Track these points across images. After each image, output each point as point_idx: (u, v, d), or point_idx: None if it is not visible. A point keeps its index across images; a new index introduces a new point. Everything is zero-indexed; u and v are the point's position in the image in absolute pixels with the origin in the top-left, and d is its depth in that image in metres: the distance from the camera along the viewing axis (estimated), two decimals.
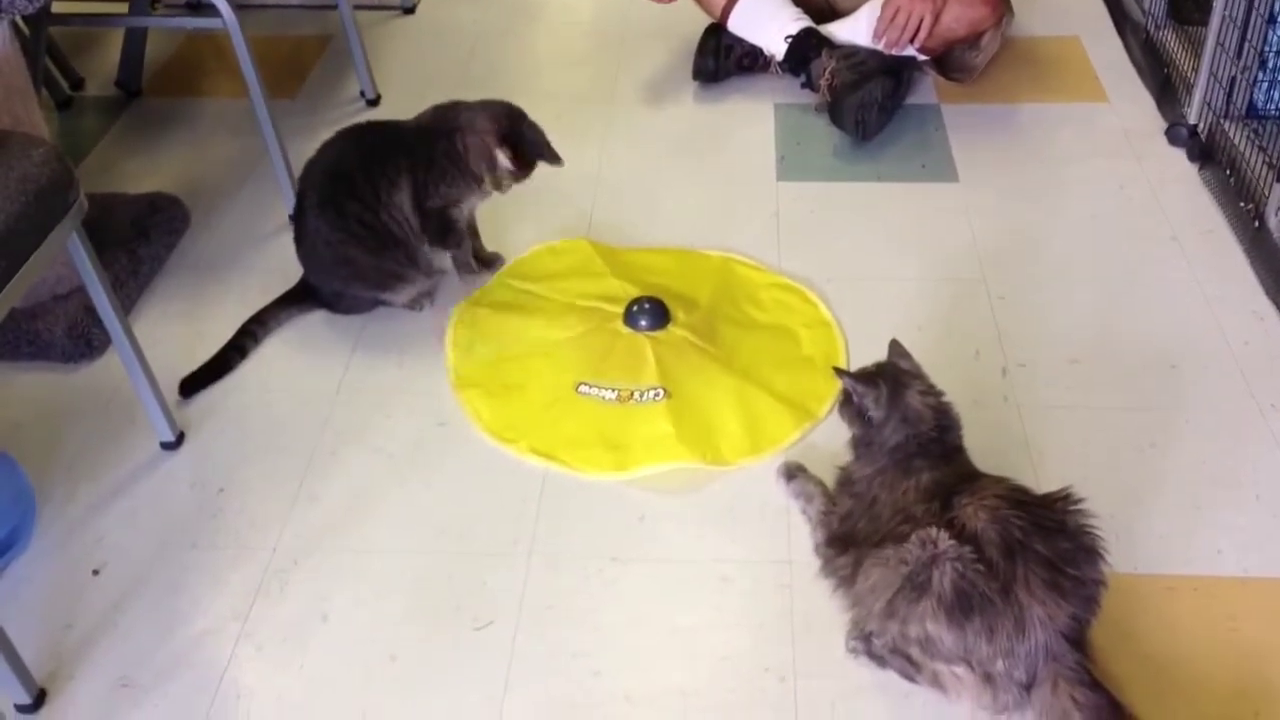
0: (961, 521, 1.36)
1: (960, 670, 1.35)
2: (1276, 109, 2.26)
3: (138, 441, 1.85)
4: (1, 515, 1.67)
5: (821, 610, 1.54)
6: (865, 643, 1.47)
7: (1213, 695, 1.45)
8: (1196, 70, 2.34)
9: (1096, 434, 1.79)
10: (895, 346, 1.61)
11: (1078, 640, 1.32)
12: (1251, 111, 2.27)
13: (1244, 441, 1.77)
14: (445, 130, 1.96)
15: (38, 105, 2.01)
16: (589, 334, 1.95)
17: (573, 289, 2.07)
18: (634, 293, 2.00)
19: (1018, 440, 1.78)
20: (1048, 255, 2.15)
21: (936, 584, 1.31)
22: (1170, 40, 2.56)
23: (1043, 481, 1.68)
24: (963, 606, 1.30)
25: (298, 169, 2.18)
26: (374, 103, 2.68)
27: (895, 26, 2.44)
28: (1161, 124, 2.47)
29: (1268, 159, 2.09)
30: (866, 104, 2.40)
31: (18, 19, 2.32)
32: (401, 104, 2.61)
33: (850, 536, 1.52)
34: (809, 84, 2.57)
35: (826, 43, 2.55)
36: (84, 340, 1.99)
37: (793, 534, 1.66)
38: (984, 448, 1.55)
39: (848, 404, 1.57)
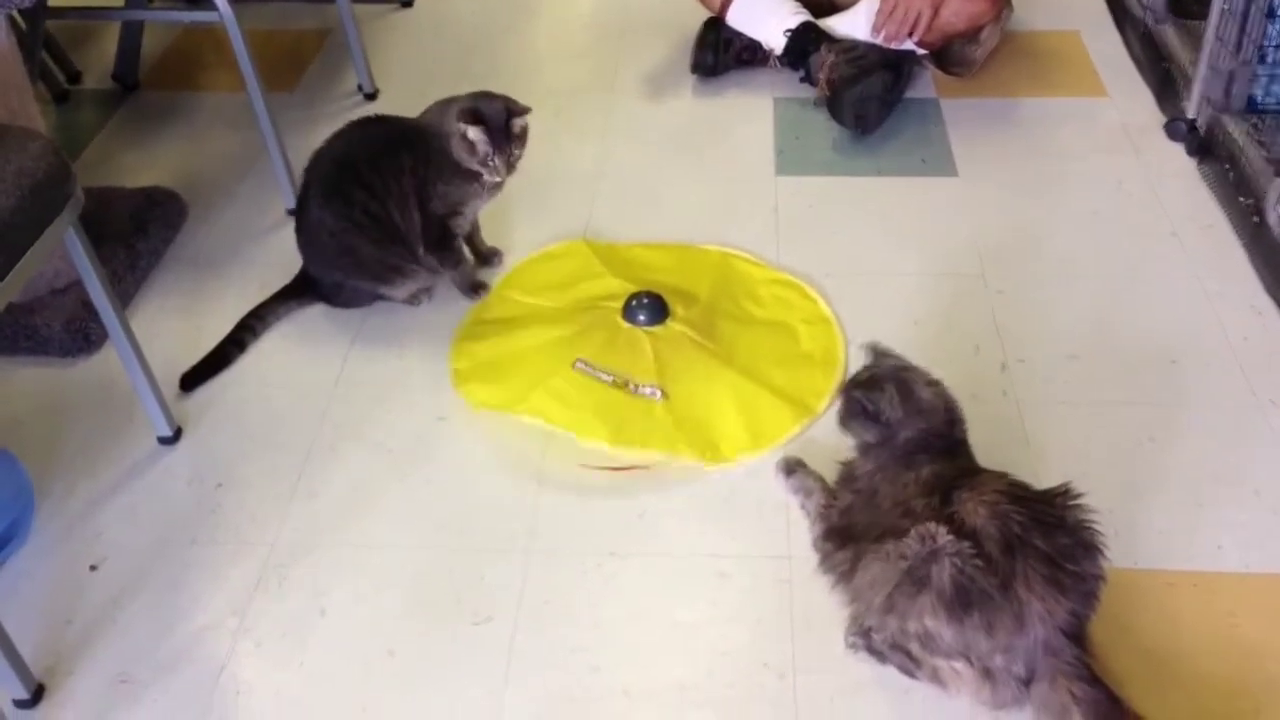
0: (961, 517, 1.36)
1: (959, 665, 1.35)
2: (1276, 103, 2.26)
3: (136, 437, 1.84)
4: (0, 510, 1.67)
5: (820, 606, 1.54)
6: (864, 638, 1.46)
7: (1213, 691, 1.45)
8: (1196, 65, 2.33)
9: (1096, 429, 1.79)
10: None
11: (1077, 635, 1.32)
12: (1251, 106, 2.27)
13: (1244, 437, 1.77)
14: (435, 130, 1.95)
15: (34, 99, 2.01)
16: (588, 328, 1.95)
17: (572, 294, 2.06)
18: (632, 290, 1.99)
19: (1017, 436, 1.78)
20: (1047, 250, 2.15)
21: (936, 579, 1.31)
22: (1169, 34, 2.55)
23: (1042, 477, 1.67)
24: (962, 602, 1.30)
25: (296, 163, 2.18)
26: (372, 97, 2.67)
27: (894, 20, 2.44)
28: (1161, 119, 2.46)
29: (1267, 154, 2.09)
30: (866, 98, 2.40)
31: (14, 12, 2.31)
32: (400, 99, 2.61)
33: (850, 530, 1.52)
34: (808, 78, 2.57)
35: (825, 37, 2.54)
36: (81, 335, 1.98)
37: (792, 529, 1.66)
38: (983, 443, 1.55)
39: (853, 415, 1.55)
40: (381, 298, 2.06)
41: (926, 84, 2.62)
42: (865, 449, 1.56)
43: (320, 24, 2.98)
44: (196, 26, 2.94)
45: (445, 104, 1.98)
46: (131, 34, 2.75)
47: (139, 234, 2.19)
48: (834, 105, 2.44)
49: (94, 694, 1.50)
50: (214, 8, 2.10)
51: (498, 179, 1.96)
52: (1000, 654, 1.31)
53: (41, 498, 1.75)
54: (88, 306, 1.79)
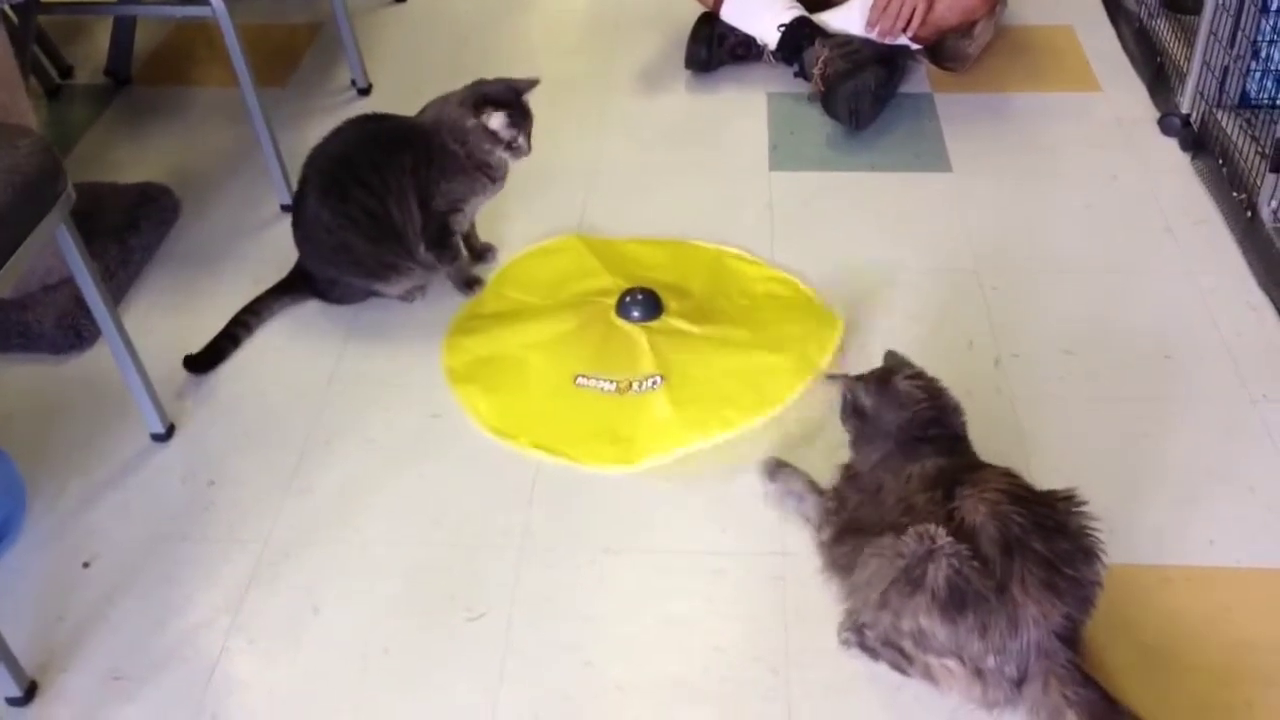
0: (961, 514, 1.36)
1: (952, 664, 1.35)
2: (1269, 98, 2.26)
3: (128, 433, 1.84)
4: None
5: (814, 601, 1.54)
6: (858, 634, 1.46)
7: (1207, 684, 1.45)
8: (1189, 59, 2.33)
9: (1090, 425, 1.79)
10: (891, 356, 1.62)
11: (1071, 639, 1.32)
12: (1244, 101, 2.27)
13: (1237, 432, 1.77)
14: (436, 127, 1.95)
15: (26, 94, 2.00)
16: (583, 327, 1.95)
17: (565, 290, 2.06)
18: (626, 286, 1.99)
19: (1011, 431, 1.78)
20: (1041, 245, 2.15)
21: (931, 579, 1.31)
22: (1163, 29, 2.55)
23: (1035, 473, 1.67)
24: (956, 602, 1.30)
25: (289, 158, 2.18)
26: (365, 92, 2.67)
27: (888, 15, 2.44)
28: (1154, 113, 2.46)
29: (1260, 149, 2.09)
30: (860, 93, 2.40)
31: (5, 7, 2.31)
32: (393, 93, 2.60)
33: (853, 525, 1.52)
34: (802, 73, 2.57)
35: (820, 32, 2.54)
36: (74, 332, 1.98)
37: (786, 525, 1.66)
38: (977, 439, 1.55)
39: (844, 408, 1.58)
40: (376, 294, 2.06)
41: (920, 79, 2.62)
42: (860, 444, 1.57)
43: (313, 18, 2.97)
44: (189, 21, 2.92)
45: (443, 101, 1.97)
46: (124, 28, 2.74)
47: (131, 230, 2.18)
48: (828, 100, 2.44)
49: (87, 691, 1.50)
50: (206, 2, 2.09)
51: (522, 158, 1.96)
52: (993, 655, 1.31)
53: (33, 495, 1.75)
54: (80, 303, 1.78)
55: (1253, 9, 2.16)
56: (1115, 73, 2.62)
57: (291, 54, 2.83)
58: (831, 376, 1.60)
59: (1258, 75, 2.25)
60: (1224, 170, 2.21)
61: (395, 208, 1.94)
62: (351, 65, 2.66)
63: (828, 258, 2.13)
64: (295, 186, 2.02)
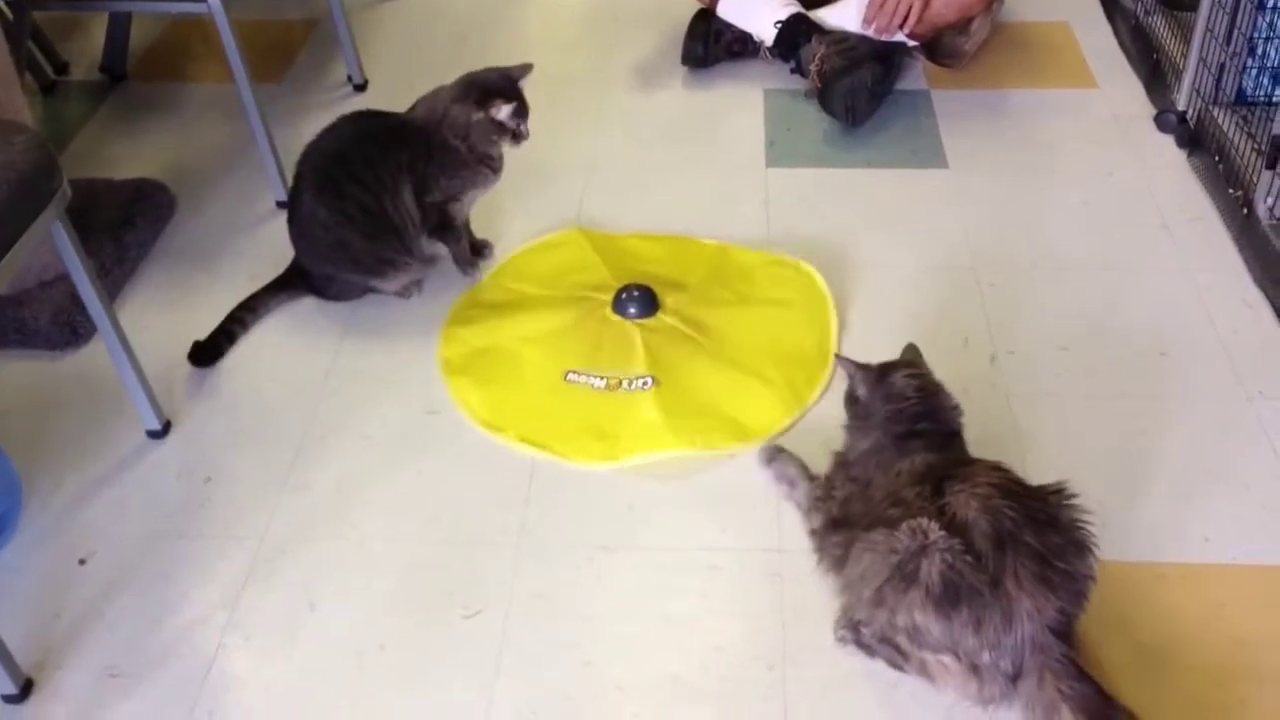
0: (953, 509, 1.36)
1: (947, 660, 1.35)
2: (1265, 95, 2.26)
3: (124, 430, 1.84)
4: None
5: (811, 599, 1.55)
6: (853, 631, 1.47)
7: (1202, 681, 1.45)
8: (1186, 56, 2.33)
9: (1085, 422, 1.79)
10: (910, 350, 1.62)
11: (1065, 633, 1.32)
12: (1240, 98, 2.27)
13: (1232, 430, 1.78)
14: (433, 123, 1.95)
15: (21, 90, 2.00)
16: (578, 322, 1.95)
17: (563, 284, 2.06)
18: (624, 281, 1.99)
19: (1007, 428, 1.78)
20: (1037, 242, 2.15)
21: (925, 574, 1.31)
22: (1160, 26, 2.55)
23: (1031, 469, 1.68)
24: (950, 598, 1.30)
25: (285, 155, 2.18)
26: (361, 88, 2.66)
27: (885, 12, 2.44)
28: (1151, 110, 2.46)
29: (1256, 146, 2.09)
30: (856, 90, 2.40)
31: (0, 3, 2.30)
32: (390, 90, 2.60)
33: (843, 517, 1.52)
34: (799, 70, 2.57)
35: (816, 28, 2.54)
36: (69, 328, 1.97)
37: (783, 522, 1.66)
38: (973, 436, 1.55)
39: (846, 396, 1.60)
40: (373, 290, 2.06)
41: (917, 75, 2.62)
42: (851, 433, 1.58)
43: (309, 14, 2.96)
44: (184, 17, 2.92)
45: (434, 96, 1.97)
46: (119, 25, 2.73)
47: (127, 226, 2.18)
48: (825, 97, 2.43)
49: (83, 688, 1.49)
50: None
51: (524, 141, 1.98)
52: (988, 650, 1.31)
53: (29, 492, 1.75)
54: (75, 300, 1.78)
55: (1249, 6, 2.16)
56: (1112, 69, 2.63)
57: (287, 50, 2.83)
58: (840, 358, 1.60)
59: (1254, 72, 2.25)
60: (1220, 167, 2.21)
61: (391, 204, 1.94)
62: (347, 61, 2.66)
63: (823, 253, 2.12)
64: (290, 184, 2.02)
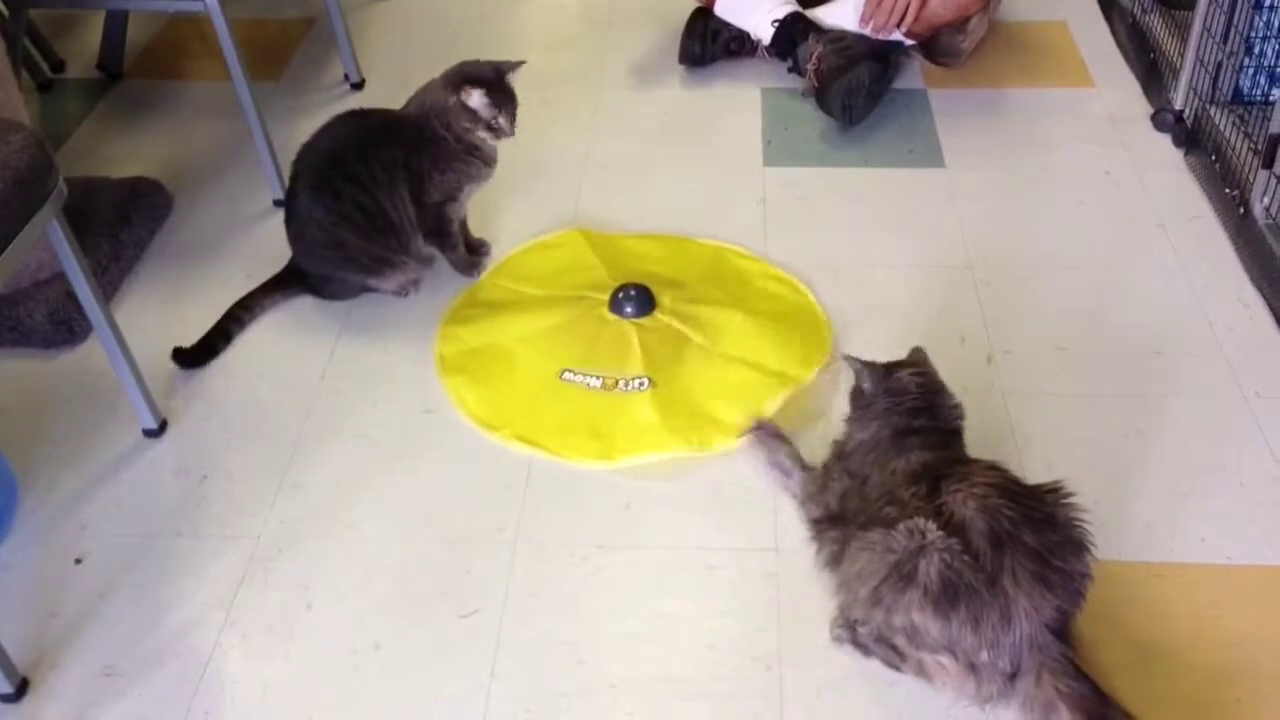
0: (950, 509, 1.36)
1: (945, 659, 1.35)
2: (1262, 94, 2.26)
3: (120, 429, 1.83)
4: None
5: (807, 598, 1.55)
6: (850, 631, 1.47)
7: (1198, 680, 1.45)
8: (1183, 55, 2.34)
9: (1082, 421, 1.79)
10: (916, 352, 1.63)
11: (1062, 632, 1.32)
12: (1237, 97, 2.28)
13: (1228, 428, 1.78)
14: (423, 116, 1.95)
15: (17, 88, 1.99)
16: (575, 321, 1.95)
17: (561, 283, 2.06)
18: (621, 281, 1.99)
19: (1003, 427, 1.78)
20: (1033, 241, 2.15)
21: (923, 574, 1.31)
22: (1157, 25, 2.56)
23: (1028, 469, 1.68)
24: (949, 597, 1.31)
25: (282, 153, 2.18)
26: (358, 86, 2.66)
27: (882, 11, 2.44)
28: (1147, 109, 2.47)
29: (1253, 145, 2.10)
30: (853, 89, 2.40)
31: None
32: (386, 88, 2.60)
33: (840, 513, 1.52)
34: (796, 69, 2.57)
35: (814, 27, 2.54)
36: (65, 326, 1.97)
37: (779, 522, 1.66)
38: (970, 435, 1.56)
39: (854, 386, 1.61)
40: (370, 290, 2.06)
41: (914, 74, 2.62)
42: (854, 424, 1.58)
43: (306, 13, 2.96)
44: (181, 15, 2.92)
45: (426, 90, 1.97)
46: (116, 23, 2.73)
47: (123, 225, 2.18)
48: (822, 96, 2.44)
49: (79, 687, 1.49)
50: None
51: (505, 139, 1.95)
52: (986, 649, 1.31)
53: (25, 491, 1.75)
54: (72, 298, 1.78)
55: (1246, 5, 2.17)
56: (1109, 69, 2.63)
57: (284, 48, 2.83)
58: (848, 357, 1.60)
59: (1251, 71, 2.25)
60: (1217, 166, 2.21)
61: (388, 202, 1.94)
62: (344, 60, 2.66)
63: (821, 253, 2.13)
64: (287, 183, 2.02)
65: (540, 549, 1.64)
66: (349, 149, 1.94)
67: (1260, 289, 2.01)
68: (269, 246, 2.11)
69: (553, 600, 1.58)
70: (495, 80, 1.91)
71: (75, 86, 2.73)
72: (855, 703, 1.44)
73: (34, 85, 2.69)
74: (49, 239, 1.60)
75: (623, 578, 1.60)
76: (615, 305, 1.95)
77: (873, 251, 2.14)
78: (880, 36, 2.48)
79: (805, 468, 1.66)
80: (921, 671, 1.39)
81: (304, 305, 2.06)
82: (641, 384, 1.84)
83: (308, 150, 1.98)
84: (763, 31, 2.58)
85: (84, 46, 2.83)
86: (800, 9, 2.57)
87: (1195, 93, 2.32)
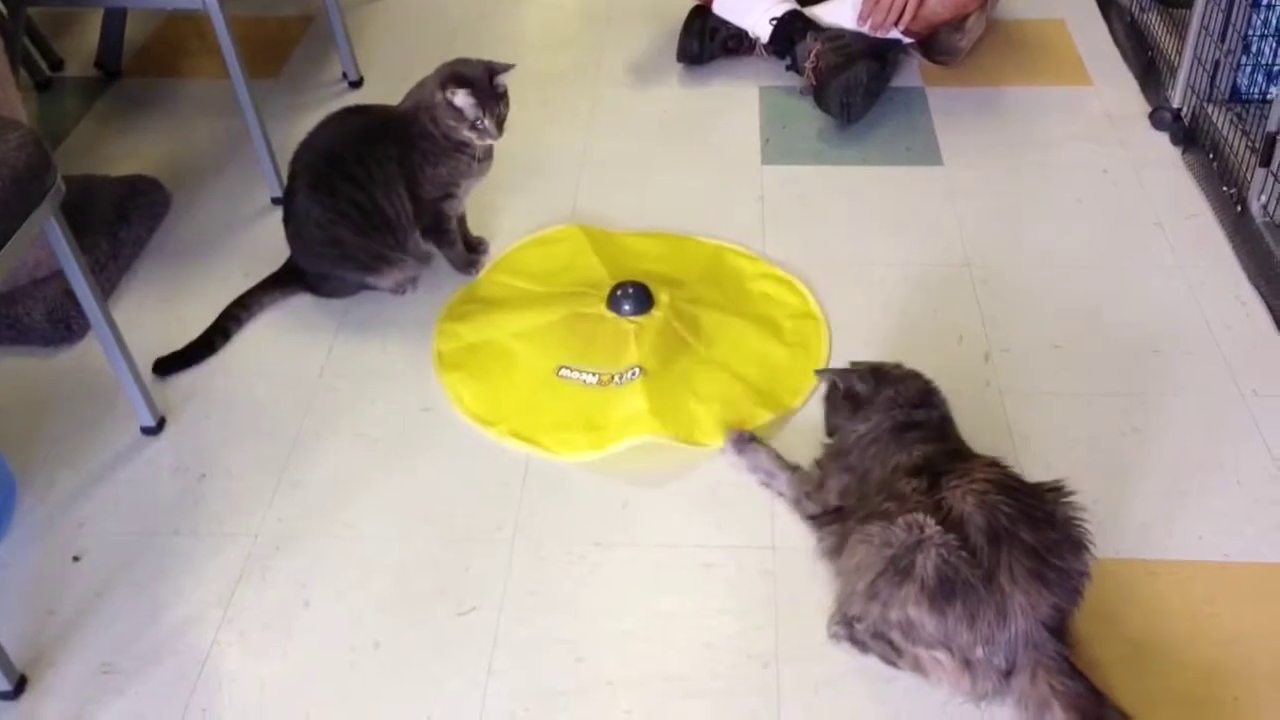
0: (949, 504, 1.36)
1: (940, 655, 1.35)
2: (1260, 93, 2.27)
3: (118, 427, 1.84)
4: None
5: (804, 596, 1.55)
6: (847, 628, 1.47)
7: (1194, 678, 1.45)
8: (1181, 54, 2.34)
9: (1079, 419, 1.80)
10: (858, 364, 1.66)
11: (1058, 629, 1.32)
12: (1235, 95, 2.28)
13: (1225, 427, 1.78)
14: (414, 111, 1.95)
15: (16, 87, 1.99)
16: (572, 318, 1.95)
17: (559, 280, 2.06)
18: (619, 278, 1.99)
19: (1000, 425, 1.78)
20: (1031, 240, 2.15)
21: (920, 569, 1.31)
22: (1155, 23, 2.56)
23: (1025, 467, 1.68)
24: (945, 592, 1.31)
25: (280, 151, 2.18)
26: (356, 84, 2.66)
27: (880, 9, 2.44)
28: (1145, 108, 2.47)
29: (1250, 143, 2.10)
30: (851, 87, 2.40)
31: None
32: (384, 86, 2.59)
33: (841, 509, 1.53)
34: (794, 67, 2.57)
35: (812, 25, 2.54)
36: (63, 324, 1.97)
37: (776, 520, 1.66)
38: (967, 433, 1.56)
39: (833, 398, 1.62)
40: (368, 287, 2.06)
41: (912, 72, 2.62)
42: (847, 425, 1.59)
43: (304, 10, 2.96)
44: (180, 13, 2.92)
45: (420, 86, 1.97)
46: (114, 21, 2.73)
47: (122, 223, 2.18)
48: (820, 94, 2.44)
49: (77, 685, 1.50)
50: None
51: (490, 141, 1.95)
52: (982, 645, 1.31)
53: (23, 489, 1.75)
54: (70, 296, 1.78)
55: (1244, 3, 2.17)
56: (1107, 67, 2.63)
57: (283, 46, 2.83)
58: (821, 372, 1.62)
59: (1248, 70, 2.25)
60: (1214, 164, 2.21)
61: (384, 199, 1.94)
62: (343, 58, 2.66)
63: (818, 251, 2.13)
64: (285, 182, 2.02)
65: (538, 547, 1.65)
66: (346, 147, 1.95)
67: (1258, 287, 2.01)
68: (267, 244, 2.11)
69: (550, 598, 1.58)
70: (483, 81, 1.91)
71: (73, 85, 2.73)
72: (852, 700, 1.44)
73: (32, 83, 2.69)
74: (47, 237, 1.60)
75: (620, 576, 1.61)
76: (613, 303, 1.95)
77: (870, 249, 2.14)
78: (878, 35, 2.48)
79: (790, 467, 1.66)
80: (918, 667, 1.40)
81: (302, 303, 2.06)
82: (634, 374, 1.84)
83: (305, 148, 1.98)
84: (761, 29, 2.58)
85: (82, 45, 2.83)
86: (798, 7, 2.57)
87: (1193, 91, 2.32)
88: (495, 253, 2.16)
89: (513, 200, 2.27)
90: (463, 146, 1.96)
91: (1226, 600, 1.54)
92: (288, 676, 1.50)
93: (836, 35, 2.49)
